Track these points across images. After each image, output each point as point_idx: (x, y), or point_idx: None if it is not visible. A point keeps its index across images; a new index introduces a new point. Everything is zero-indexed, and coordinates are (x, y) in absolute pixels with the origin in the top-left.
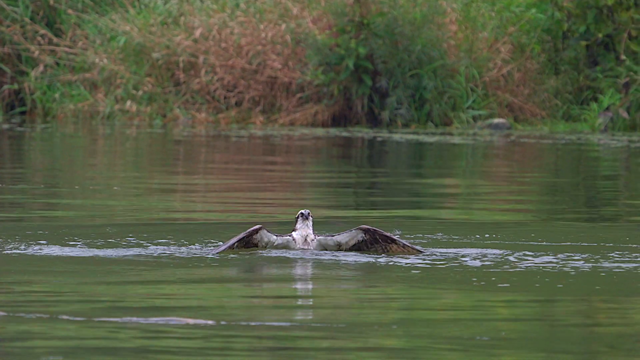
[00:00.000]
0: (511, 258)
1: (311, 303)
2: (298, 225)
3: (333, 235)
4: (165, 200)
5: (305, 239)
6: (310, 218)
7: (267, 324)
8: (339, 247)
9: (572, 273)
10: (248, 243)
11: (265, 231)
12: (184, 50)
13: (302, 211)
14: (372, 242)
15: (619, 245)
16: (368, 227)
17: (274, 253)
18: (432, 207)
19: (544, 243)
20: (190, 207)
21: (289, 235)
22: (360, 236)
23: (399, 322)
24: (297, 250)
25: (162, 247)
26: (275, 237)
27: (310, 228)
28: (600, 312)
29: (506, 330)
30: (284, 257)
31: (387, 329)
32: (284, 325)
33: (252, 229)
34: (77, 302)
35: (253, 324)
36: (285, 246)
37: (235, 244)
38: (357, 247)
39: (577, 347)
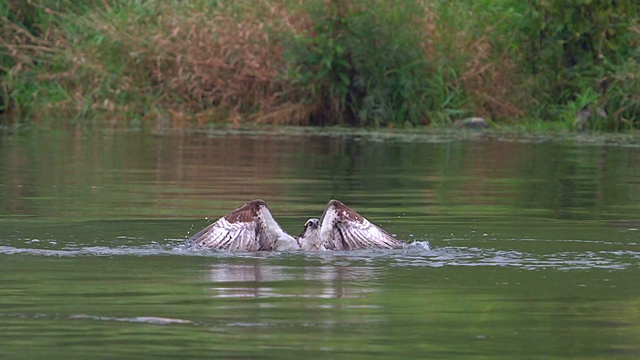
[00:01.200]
0: (488, 257)
1: (289, 304)
2: (307, 234)
3: (311, 225)
4: (143, 199)
5: (314, 247)
6: (319, 227)
7: (242, 324)
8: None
9: (549, 272)
10: (244, 217)
11: (268, 212)
12: (162, 49)
13: (311, 220)
14: (341, 224)
15: (595, 244)
16: (336, 201)
17: (250, 254)
18: (410, 205)
19: (522, 241)
20: (167, 204)
21: (296, 238)
22: (332, 212)
23: (377, 323)
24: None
25: (138, 245)
26: (281, 230)
27: (319, 237)
28: (576, 312)
29: (483, 330)
30: (264, 258)
31: (364, 330)
32: (260, 326)
33: (253, 202)
34: (54, 301)
35: (230, 324)
36: (287, 245)
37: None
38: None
39: (553, 347)
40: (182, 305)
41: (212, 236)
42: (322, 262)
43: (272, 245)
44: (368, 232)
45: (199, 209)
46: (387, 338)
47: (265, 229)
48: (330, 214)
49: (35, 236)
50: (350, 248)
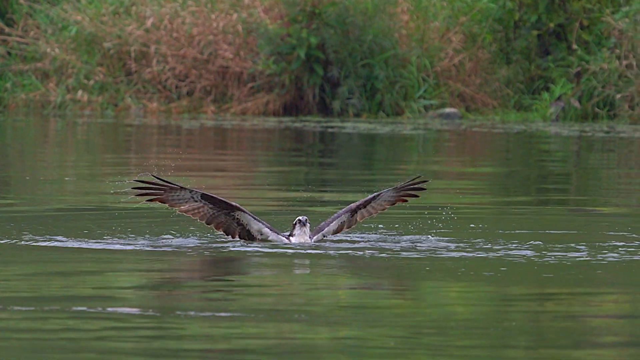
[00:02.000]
0: (462, 247)
1: (258, 291)
2: (296, 232)
3: (321, 229)
4: (115, 189)
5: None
6: (308, 225)
7: (207, 314)
8: (324, 236)
9: (523, 261)
10: (223, 212)
11: (249, 216)
12: (136, 39)
13: (300, 218)
14: (352, 215)
15: (569, 234)
16: (353, 206)
17: (225, 246)
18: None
19: (497, 232)
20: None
21: (286, 237)
22: (344, 217)
23: (347, 312)
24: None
25: (111, 237)
26: (269, 230)
27: (308, 234)
28: (551, 303)
29: (456, 319)
30: (239, 250)
31: (334, 318)
32: (225, 316)
33: (230, 203)
34: (24, 291)
35: (192, 313)
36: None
37: (208, 198)
38: (339, 229)
39: (525, 337)
40: (151, 295)
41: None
42: (287, 252)
43: (261, 239)
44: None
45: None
46: (358, 326)
47: (244, 223)
48: (343, 217)
49: (6, 225)
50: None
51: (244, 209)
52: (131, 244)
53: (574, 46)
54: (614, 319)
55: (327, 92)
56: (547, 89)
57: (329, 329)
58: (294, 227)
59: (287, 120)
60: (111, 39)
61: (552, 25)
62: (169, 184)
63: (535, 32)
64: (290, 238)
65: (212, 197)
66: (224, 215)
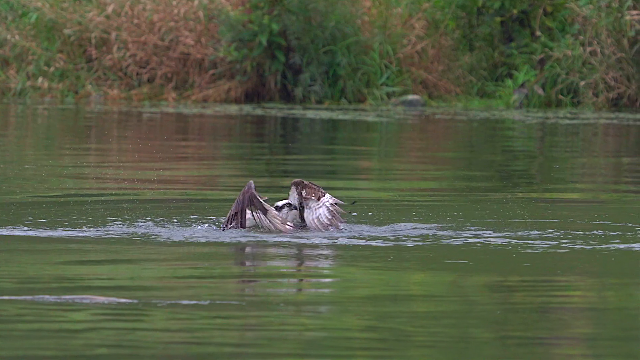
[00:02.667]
0: (425, 235)
1: (234, 280)
2: (282, 214)
3: (289, 206)
4: (77, 178)
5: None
6: (295, 209)
7: (183, 302)
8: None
9: (487, 250)
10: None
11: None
12: (96, 26)
13: (290, 202)
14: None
15: (533, 222)
16: (298, 180)
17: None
18: (347, 182)
19: (460, 220)
20: (102, 184)
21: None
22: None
23: (318, 300)
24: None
25: (74, 225)
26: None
27: (292, 219)
28: (515, 291)
29: (420, 309)
30: (215, 239)
31: (301, 308)
32: (201, 304)
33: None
34: None
35: (168, 302)
36: (256, 225)
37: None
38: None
39: (490, 326)
40: (120, 286)
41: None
42: (268, 240)
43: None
44: (316, 212)
45: (134, 188)
46: (323, 316)
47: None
48: (294, 196)
49: None
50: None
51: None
52: (88, 232)
53: (538, 33)
54: (580, 309)
55: (289, 79)
56: (511, 76)
57: (306, 319)
58: (280, 209)
59: (249, 107)
60: (72, 25)
61: (515, 11)
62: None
63: (498, 19)
64: (277, 203)
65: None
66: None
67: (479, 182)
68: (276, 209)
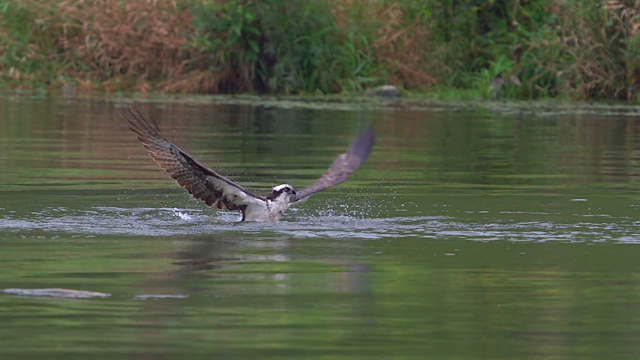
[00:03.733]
0: (401, 226)
1: (205, 277)
2: (279, 199)
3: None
4: (49, 169)
5: (280, 213)
6: (294, 194)
7: (155, 296)
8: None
9: (462, 242)
10: (194, 173)
11: (222, 181)
12: (68, 16)
13: (289, 186)
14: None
15: (510, 213)
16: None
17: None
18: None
19: (436, 211)
20: (75, 174)
21: (264, 200)
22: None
23: (288, 295)
24: (262, 218)
25: (47, 217)
26: (244, 193)
27: (288, 205)
28: (489, 281)
29: (394, 299)
30: (186, 234)
31: (270, 301)
32: (172, 298)
33: (205, 167)
34: None
35: (141, 296)
36: (251, 209)
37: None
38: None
39: (465, 316)
40: (88, 279)
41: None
42: (243, 232)
43: (235, 203)
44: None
45: (106, 177)
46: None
47: (222, 190)
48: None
49: None
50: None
51: (218, 174)
52: (68, 223)
53: (514, 22)
54: (556, 301)
55: (263, 69)
56: (487, 66)
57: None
58: (278, 193)
59: (223, 98)
60: (43, 15)
61: (491, 1)
62: (156, 130)
63: (474, 8)
64: (269, 201)
65: (189, 157)
66: (194, 175)
67: (452, 173)
68: (274, 194)
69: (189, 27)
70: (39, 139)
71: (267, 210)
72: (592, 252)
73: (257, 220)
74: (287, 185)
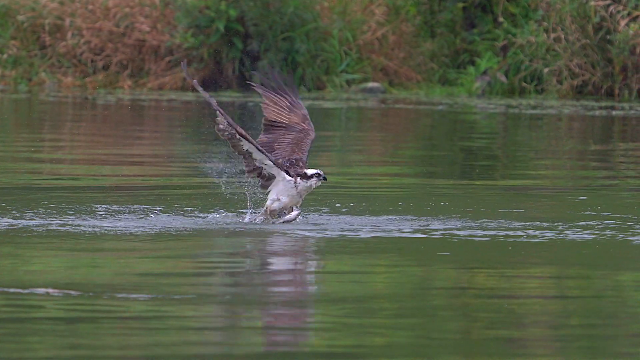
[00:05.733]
0: (387, 224)
1: (185, 275)
2: (310, 182)
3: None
4: (31, 165)
5: (300, 195)
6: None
7: (132, 295)
8: None
9: (449, 240)
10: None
11: (253, 146)
12: (50, 12)
13: (320, 172)
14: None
15: (496, 211)
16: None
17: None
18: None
19: (423, 209)
20: (57, 171)
21: (293, 176)
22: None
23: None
24: (287, 193)
25: (28, 214)
26: (271, 162)
27: (312, 189)
28: (478, 282)
29: (381, 296)
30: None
31: (242, 299)
32: (148, 297)
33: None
34: None
35: (118, 295)
36: (278, 182)
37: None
38: None
39: (450, 314)
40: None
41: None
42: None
43: (262, 167)
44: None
45: (89, 175)
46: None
47: (244, 146)
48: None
49: None
50: None
51: (250, 139)
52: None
53: (500, 19)
54: (540, 298)
55: (247, 66)
56: (473, 63)
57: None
58: (309, 177)
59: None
60: (25, 11)
61: None
62: (220, 110)
63: (460, 5)
64: (299, 179)
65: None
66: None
67: (437, 170)
68: (304, 175)
69: (171, 24)
70: (21, 136)
71: (294, 188)
72: (578, 249)
73: (281, 197)
74: (319, 171)
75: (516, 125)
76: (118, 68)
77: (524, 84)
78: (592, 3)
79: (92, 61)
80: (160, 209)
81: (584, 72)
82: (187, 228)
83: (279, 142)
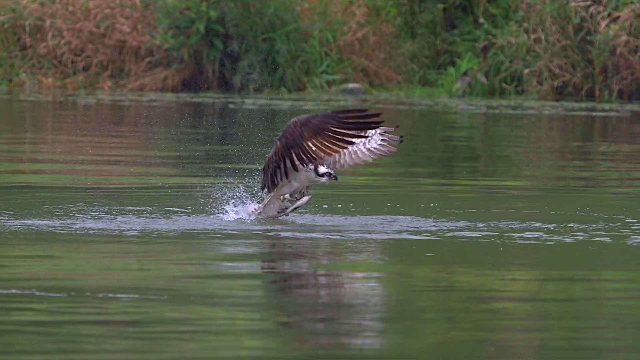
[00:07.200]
0: (367, 224)
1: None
2: (322, 178)
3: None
4: (13, 165)
5: (307, 187)
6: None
7: (117, 295)
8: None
9: (430, 240)
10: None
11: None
12: (30, 13)
13: (331, 171)
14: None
15: (476, 212)
16: None
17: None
18: None
19: (402, 210)
20: (38, 170)
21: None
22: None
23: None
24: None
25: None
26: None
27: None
28: (458, 283)
29: (363, 295)
30: (165, 230)
31: (226, 299)
32: (135, 297)
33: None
34: None
35: (100, 295)
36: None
37: None
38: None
39: (433, 314)
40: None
41: None
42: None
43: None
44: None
45: (70, 175)
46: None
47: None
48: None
49: None
50: None
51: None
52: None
53: (481, 20)
54: (521, 300)
55: (227, 67)
56: (453, 64)
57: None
58: (321, 176)
59: (186, 96)
60: (5, 12)
61: None
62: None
63: (440, 6)
64: (320, 168)
65: None
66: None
67: (418, 171)
68: (315, 172)
69: (152, 25)
70: (1, 136)
71: (308, 172)
72: (557, 250)
73: (293, 181)
74: (330, 170)
75: (496, 126)
76: (98, 69)
77: (504, 84)
78: (573, 4)
79: (72, 62)
80: (141, 209)
81: (564, 73)
82: (166, 229)
83: None
